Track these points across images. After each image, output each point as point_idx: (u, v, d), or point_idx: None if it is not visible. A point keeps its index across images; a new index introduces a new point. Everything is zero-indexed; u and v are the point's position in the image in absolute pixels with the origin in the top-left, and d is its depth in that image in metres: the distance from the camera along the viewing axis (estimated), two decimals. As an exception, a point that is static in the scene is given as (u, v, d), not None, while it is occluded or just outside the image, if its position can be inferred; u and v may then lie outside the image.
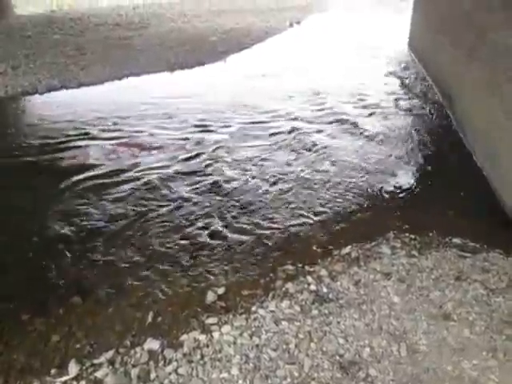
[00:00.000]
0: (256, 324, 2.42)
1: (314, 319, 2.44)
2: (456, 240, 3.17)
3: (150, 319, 2.50)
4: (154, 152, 4.61)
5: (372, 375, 2.12)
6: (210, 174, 4.15)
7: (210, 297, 2.64)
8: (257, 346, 2.28)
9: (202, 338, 2.33)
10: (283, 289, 2.68)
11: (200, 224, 3.39)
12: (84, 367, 2.18)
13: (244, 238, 3.23)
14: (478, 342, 2.31)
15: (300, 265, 2.91)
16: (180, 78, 7.76)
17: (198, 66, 8.34)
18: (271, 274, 2.83)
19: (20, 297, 2.67)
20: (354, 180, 4.09)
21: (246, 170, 4.24)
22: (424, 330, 2.38)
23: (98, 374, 2.14)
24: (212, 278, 2.82)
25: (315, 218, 3.48)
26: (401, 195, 3.87)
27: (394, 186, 4.00)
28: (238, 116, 5.73)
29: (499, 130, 3.83)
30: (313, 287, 2.68)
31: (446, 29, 6.36)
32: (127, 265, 2.94)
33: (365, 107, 6.17)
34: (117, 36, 10.30)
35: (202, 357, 2.22)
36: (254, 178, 4.10)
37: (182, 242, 3.19)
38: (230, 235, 3.26)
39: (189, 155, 4.53)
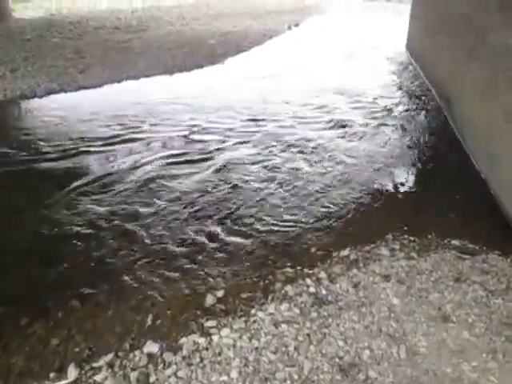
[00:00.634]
0: (255, 327, 2.42)
1: (313, 322, 2.44)
2: (455, 242, 3.17)
3: (149, 322, 2.49)
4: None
5: (372, 377, 2.12)
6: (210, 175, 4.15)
7: (210, 300, 2.64)
8: (256, 348, 2.27)
9: (202, 340, 2.33)
10: (282, 291, 2.68)
11: (199, 226, 3.38)
12: (83, 371, 2.18)
13: (243, 240, 3.23)
14: (477, 343, 2.32)
15: (299, 267, 2.91)
16: (178, 81, 7.76)
17: (196, 68, 8.35)
18: (270, 277, 2.83)
19: (19, 300, 2.67)
20: (352, 182, 4.10)
21: (244, 174, 4.24)
22: (423, 332, 2.38)
23: (98, 378, 2.14)
24: (211, 280, 2.82)
25: (314, 221, 3.48)
26: (399, 197, 3.88)
27: (393, 188, 4.00)
28: (237, 116, 5.74)
29: (497, 132, 3.84)
30: (312, 289, 2.68)
31: (443, 30, 6.38)
32: (126, 267, 2.94)
33: (362, 109, 6.19)
34: (116, 39, 10.32)
35: (202, 360, 2.22)
36: (252, 179, 4.10)
37: (181, 244, 3.18)
38: (228, 238, 3.25)
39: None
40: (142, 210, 3.60)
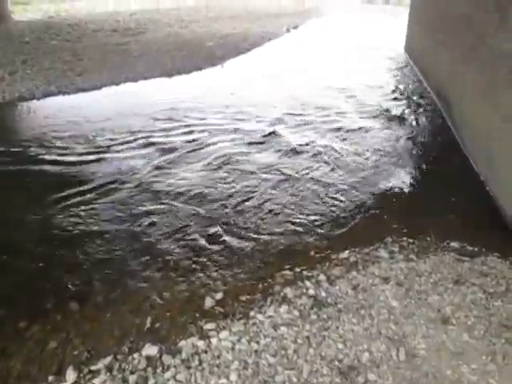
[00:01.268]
0: (254, 329, 2.41)
1: (312, 324, 2.44)
2: (454, 244, 3.18)
3: (148, 325, 2.49)
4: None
5: (371, 380, 2.12)
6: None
7: (209, 302, 2.63)
8: (255, 351, 2.27)
9: (201, 343, 2.32)
10: (282, 294, 2.68)
11: (199, 229, 3.38)
12: (81, 374, 2.17)
13: (242, 242, 3.23)
14: (477, 345, 2.32)
15: (298, 270, 2.91)
16: (177, 83, 7.78)
17: (195, 70, 8.37)
18: (269, 279, 2.83)
19: (17, 303, 2.66)
20: (351, 184, 4.10)
21: (242, 177, 4.24)
22: (423, 334, 2.38)
23: (96, 381, 2.13)
24: (210, 283, 2.82)
25: (313, 223, 3.48)
26: (398, 199, 3.88)
27: (391, 190, 4.01)
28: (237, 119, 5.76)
29: (496, 134, 3.86)
30: (311, 292, 2.68)
31: (442, 32, 6.41)
32: (126, 270, 2.93)
33: (361, 111, 6.20)
34: (114, 42, 10.34)
35: (201, 363, 2.21)
36: (250, 181, 4.11)
37: (181, 247, 3.18)
38: (228, 240, 3.25)
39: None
40: (138, 211, 3.60)
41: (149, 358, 2.25)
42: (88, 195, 3.82)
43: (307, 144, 4.98)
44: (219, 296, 2.69)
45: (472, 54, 4.73)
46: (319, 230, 3.39)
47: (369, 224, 3.48)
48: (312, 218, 3.55)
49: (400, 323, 2.46)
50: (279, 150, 4.81)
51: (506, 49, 3.73)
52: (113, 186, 4.00)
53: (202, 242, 3.23)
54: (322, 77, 8.19)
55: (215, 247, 3.17)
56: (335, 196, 3.89)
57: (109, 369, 2.19)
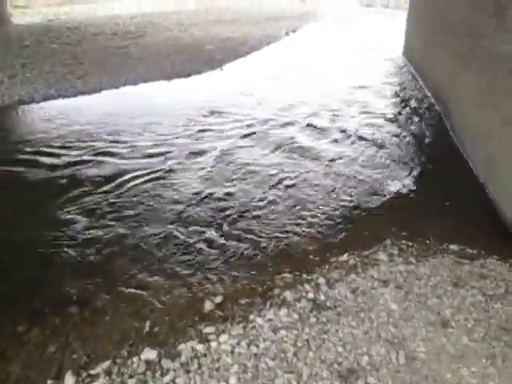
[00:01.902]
0: (254, 333, 2.40)
1: (312, 327, 2.44)
2: (453, 246, 3.17)
3: (147, 328, 2.48)
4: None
5: (371, 383, 2.11)
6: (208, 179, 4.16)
7: (208, 306, 2.63)
8: (255, 355, 2.26)
9: (200, 347, 2.32)
10: (281, 297, 2.67)
11: (197, 232, 3.38)
12: (80, 378, 2.16)
13: (241, 245, 3.22)
14: (476, 348, 2.31)
15: (297, 273, 2.90)
16: (177, 86, 7.80)
17: (195, 74, 8.39)
18: (269, 283, 2.83)
19: (16, 306, 2.65)
20: (350, 187, 4.10)
21: (242, 179, 4.24)
22: (422, 337, 2.38)
23: (95, 385, 2.12)
24: (209, 286, 2.81)
25: (312, 226, 3.48)
26: (397, 202, 3.88)
27: (390, 193, 4.00)
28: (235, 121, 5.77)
29: (495, 137, 3.86)
30: (311, 295, 2.68)
31: (441, 35, 6.42)
32: (124, 274, 2.93)
33: (360, 114, 6.21)
34: (114, 45, 10.36)
35: (200, 366, 2.20)
36: (249, 184, 4.11)
37: (179, 250, 3.17)
38: (227, 243, 3.25)
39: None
40: (138, 215, 3.60)
41: (148, 362, 2.24)
42: (90, 197, 3.83)
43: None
44: (218, 299, 2.68)
45: (471, 56, 4.74)
46: (318, 233, 3.38)
47: (368, 227, 3.48)
48: (311, 220, 3.55)
49: (399, 326, 2.45)
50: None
51: (504, 50, 3.74)
52: (108, 187, 4.00)
53: (201, 245, 3.23)
54: (317, 81, 8.20)
55: (214, 250, 3.17)
56: (333, 198, 3.89)
57: (108, 373, 2.19)
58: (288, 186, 4.09)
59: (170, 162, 4.55)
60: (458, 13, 5.49)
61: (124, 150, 4.85)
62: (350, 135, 5.39)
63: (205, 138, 5.26)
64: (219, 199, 3.85)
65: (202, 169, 4.42)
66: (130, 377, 2.16)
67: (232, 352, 2.28)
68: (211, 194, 3.93)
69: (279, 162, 4.60)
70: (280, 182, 4.18)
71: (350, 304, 2.61)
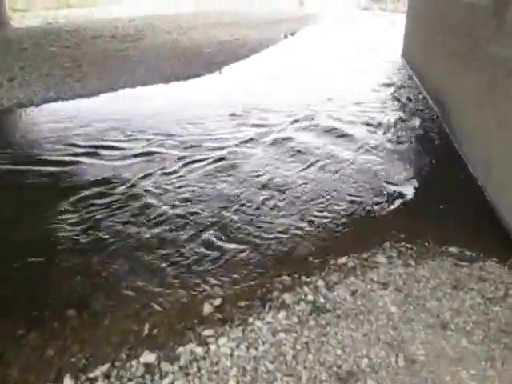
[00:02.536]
0: (253, 335, 2.40)
1: (311, 330, 2.43)
2: (452, 249, 3.18)
3: (146, 331, 2.47)
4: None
5: (370, 386, 2.11)
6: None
7: (207, 308, 2.62)
8: (254, 357, 2.26)
9: (199, 350, 2.31)
10: (280, 300, 2.67)
11: (197, 234, 3.38)
12: (79, 381, 2.15)
13: (240, 248, 3.22)
14: (476, 351, 2.31)
15: (296, 275, 2.90)
16: (175, 90, 7.82)
17: (194, 77, 8.41)
18: (268, 285, 2.82)
19: (14, 310, 2.65)
20: (349, 189, 4.11)
21: (241, 181, 4.25)
22: (422, 340, 2.37)
23: (94, 388, 2.12)
24: (209, 289, 2.81)
25: (311, 228, 3.48)
26: (396, 205, 3.88)
27: (389, 196, 4.01)
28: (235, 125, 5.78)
29: (493, 139, 3.87)
30: (310, 298, 2.68)
31: (439, 38, 6.45)
32: (123, 276, 2.93)
33: (359, 118, 6.22)
34: (113, 48, 10.38)
35: (199, 369, 2.20)
36: (248, 187, 4.11)
37: (179, 252, 3.17)
38: (226, 245, 3.25)
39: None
40: (137, 218, 3.60)
41: (147, 365, 2.24)
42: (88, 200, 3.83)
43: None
44: (217, 302, 2.68)
45: (470, 57, 4.76)
46: (317, 236, 3.39)
47: (367, 229, 3.49)
48: (310, 223, 3.55)
49: (399, 329, 2.45)
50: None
51: (503, 52, 3.76)
52: (104, 190, 4.01)
53: (200, 247, 3.23)
54: (317, 85, 8.22)
55: (213, 252, 3.17)
56: (332, 201, 3.89)
57: (106, 376, 2.18)
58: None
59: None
60: (457, 14, 5.51)
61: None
62: (347, 136, 5.41)
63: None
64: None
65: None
66: (129, 380, 2.15)
67: (231, 355, 2.28)
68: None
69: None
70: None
71: (349, 306, 2.61)
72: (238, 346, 2.33)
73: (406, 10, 10.66)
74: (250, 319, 2.53)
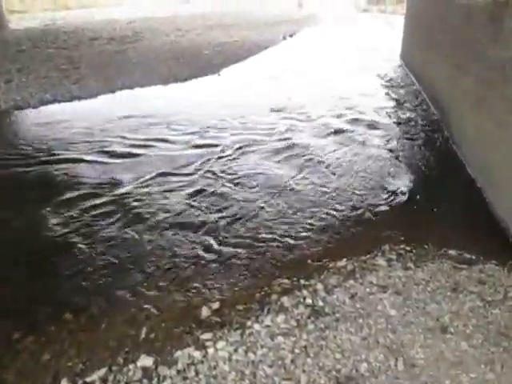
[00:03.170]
0: (251, 339, 2.40)
1: (309, 334, 2.43)
2: (452, 252, 3.18)
3: (143, 335, 2.47)
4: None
5: (369, 390, 2.11)
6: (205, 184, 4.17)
7: (205, 312, 2.62)
8: (252, 362, 2.26)
9: (197, 354, 2.31)
10: (278, 303, 2.67)
11: (194, 237, 3.38)
12: (76, 386, 2.15)
13: (239, 251, 3.22)
14: (475, 354, 2.31)
15: (295, 278, 2.90)
16: (173, 91, 7.82)
17: (192, 78, 8.41)
18: (266, 288, 2.82)
19: (10, 313, 2.64)
20: (348, 192, 4.11)
21: (238, 184, 4.25)
22: (421, 344, 2.37)
23: (91, 393, 2.11)
24: (207, 292, 2.80)
25: (309, 231, 3.48)
26: (395, 207, 3.88)
27: (388, 199, 4.01)
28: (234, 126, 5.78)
29: (491, 141, 3.88)
30: (308, 301, 2.67)
31: (439, 39, 6.46)
32: (120, 280, 2.92)
33: (357, 120, 6.23)
34: (111, 50, 10.39)
35: (197, 373, 2.19)
36: (246, 189, 4.11)
37: (176, 256, 3.17)
38: (224, 249, 3.25)
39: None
40: (132, 222, 3.60)
41: (144, 369, 2.23)
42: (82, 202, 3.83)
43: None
44: (216, 306, 2.67)
45: (467, 59, 4.77)
46: (316, 238, 3.38)
47: (366, 232, 3.48)
48: (308, 226, 3.55)
49: (398, 332, 2.45)
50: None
51: (500, 55, 3.77)
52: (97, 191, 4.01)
53: (198, 250, 3.23)
54: (316, 87, 8.24)
55: (211, 255, 3.17)
56: (331, 204, 3.89)
57: (104, 380, 2.17)
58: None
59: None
60: (455, 16, 5.53)
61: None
62: (345, 137, 5.42)
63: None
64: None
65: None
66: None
67: (229, 359, 2.27)
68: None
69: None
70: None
71: (348, 310, 2.61)
72: (236, 350, 2.33)
73: (404, 12, 10.69)
74: (249, 323, 2.52)
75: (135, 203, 3.85)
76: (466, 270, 2.97)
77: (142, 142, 5.28)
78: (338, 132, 5.67)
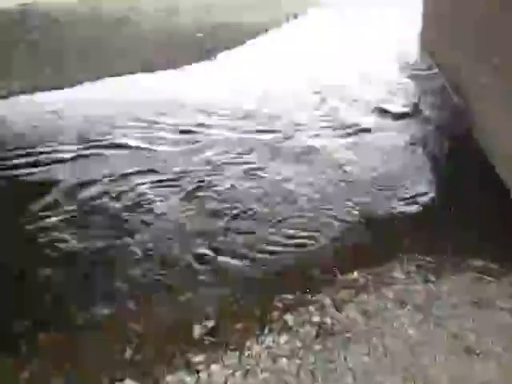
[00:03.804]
0: (250, 362, 2.38)
1: (317, 355, 2.41)
2: (476, 263, 3.15)
3: (129, 356, 2.46)
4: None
5: (385, 421, 2.09)
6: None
7: (198, 330, 2.61)
8: (252, 388, 2.24)
9: (188, 379, 2.29)
10: (281, 321, 2.65)
11: (188, 246, 3.36)
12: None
13: (237, 262, 3.21)
14: (505, 378, 2.28)
15: (300, 293, 2.88)
16: (159, 80, 7.84)
17: (181, 65, 8.41)
18: (268, 304, 2.80)
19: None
20: (361, 196, 4.08)
21: (238, 186, 4.25)
22: (444, 367, 2.34)
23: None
24: (200, 308, 2.79)
25: (318, 239, 3.46)
26: (414, 214, 3.86)
27: (407, 203, 3.98)
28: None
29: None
30: (315, 319, 2.66)
31: (463, 34, 6.42)
32: (106, 294, 2.91)
33: (373, 113, 6.21)
34: (93, 35, 10.39)
35: (189, 401, 2.18)
36: (247, 193, 4.10)
37: (167, 267, 3.16)
38: (221, 259, 3.23)
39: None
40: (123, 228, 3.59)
41: (128, 397, 2.22)
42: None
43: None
44: (210, 323, 2.66)
45: (493, 57, 4.74)
46: (324, 248, 3.37)
47: (381, 241, 3.46)
48: (317, 233, 3.54)
49: (417, 353, 2.42)
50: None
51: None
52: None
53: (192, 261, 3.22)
54: (326, 76, 8.22)
55: (207, 267, 3.16)
56: (342, 209, 3.88)
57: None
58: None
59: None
60: (478, 11, 5.50)
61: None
62: (363, 138, 5.41)
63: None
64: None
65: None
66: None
67: (225, 384, 2.26)
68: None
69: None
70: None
71: (360, 328, 2.59)
72: (233, 374, 2.31)
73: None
74: (248, 343, 2.50)
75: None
76: (494, 283, 2.94)
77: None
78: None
